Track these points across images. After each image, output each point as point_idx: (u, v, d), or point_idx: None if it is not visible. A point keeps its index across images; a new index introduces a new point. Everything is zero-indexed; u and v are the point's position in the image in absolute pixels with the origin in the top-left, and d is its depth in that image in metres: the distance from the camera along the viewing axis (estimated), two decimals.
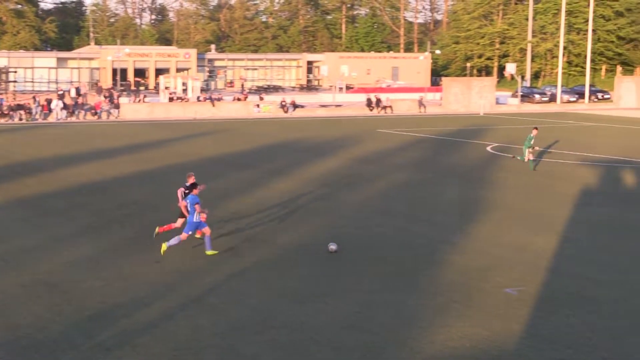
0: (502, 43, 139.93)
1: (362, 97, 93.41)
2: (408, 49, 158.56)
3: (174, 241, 22.07)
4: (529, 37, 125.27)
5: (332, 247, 22.75)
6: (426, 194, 33.07)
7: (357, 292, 18.90)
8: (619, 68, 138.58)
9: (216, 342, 15.69)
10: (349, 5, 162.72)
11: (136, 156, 45.26)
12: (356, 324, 16.68)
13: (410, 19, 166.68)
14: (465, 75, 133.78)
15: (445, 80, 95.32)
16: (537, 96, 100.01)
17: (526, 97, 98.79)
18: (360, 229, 26.11)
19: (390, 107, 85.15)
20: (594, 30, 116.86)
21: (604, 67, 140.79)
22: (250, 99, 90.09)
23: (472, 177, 38.31)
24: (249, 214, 28.25)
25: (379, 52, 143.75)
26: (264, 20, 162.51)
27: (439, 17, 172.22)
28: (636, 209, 30.14)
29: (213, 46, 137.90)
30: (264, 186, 34.55)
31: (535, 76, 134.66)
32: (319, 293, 18.82)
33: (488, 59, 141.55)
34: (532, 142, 40.39)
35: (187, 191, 22.87)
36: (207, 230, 22.41)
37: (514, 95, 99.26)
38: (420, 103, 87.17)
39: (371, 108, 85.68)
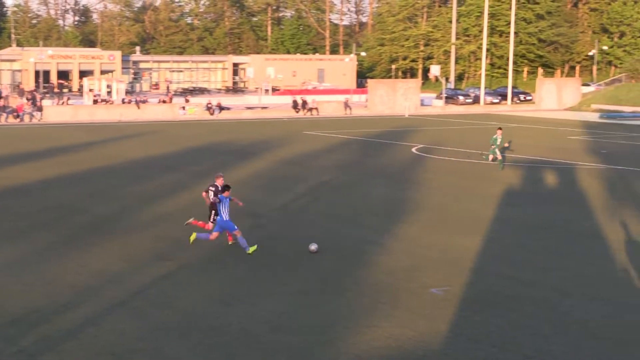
0: (426, 45, 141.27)
1: (288, 99, 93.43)
2: (334, 51, 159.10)
3: (203, 235, 22.71)
4: (453, 40, 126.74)
5: (313, 247, 22.76)
6: (353, 195, 33.18)
7: (284, 294, 18.88)
8: (540, 70, 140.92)
9: (141, 346, 15.52)
10: (274, 7, 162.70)
11: (61, 159, 44.61)
12: (283, 325, 16.66)
13: (335, 21, 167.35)
14: (390, 77, 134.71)
15: (370, 82, 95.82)
16: (461, 98, 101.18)
17: (450, 98, 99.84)
18: (287, 230, 26.10)
19: (316, 109, 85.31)
20: (515, 33, 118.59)
21: (525, 69, 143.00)
22: (175, 101, 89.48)
23: (398, 178, 38.55)
24: (175, 217, 28.02)
25: (305, 54, 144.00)
26: (189, 22, 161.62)
27: (364, 20, 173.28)
28: (557, 208, 30.64)
29: (138, 48, 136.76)
30: (190, 189, 34.31)
31: (459, 78, 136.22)
32: (245, 295, 18.75)
33: (413, 61, 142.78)
34: (498, 143, 41.64)
35: (212, 189, 23.73)
36: (237, 232, 22.53)
37: (439, 97, 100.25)
38: (346, 105, 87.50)
39: (297, 110, 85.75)
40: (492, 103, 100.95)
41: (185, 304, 18.09)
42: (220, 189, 23.09)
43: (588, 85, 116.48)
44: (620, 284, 20.04)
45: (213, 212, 24.02)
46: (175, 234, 25.29)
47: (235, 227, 22.61)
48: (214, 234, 22.81)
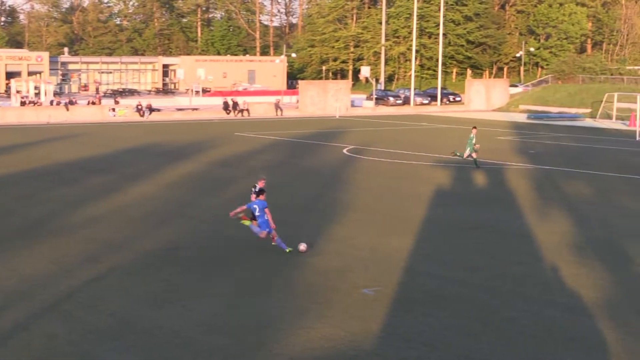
0: (356, 46, 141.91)
1: (218, 101, 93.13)
2: (264, 52, 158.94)
3: (256, 229, 22.93)
4: (383, 41, 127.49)
5: (302, 247, 22.76)
6: (284, 196, 33.19)
7: (217, 296, 18.83)
8: (469, 71, 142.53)
9: (73, 349, 15.36)
10: (204, 9, 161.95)
11: None
12: (215, 327, 16.62)
13: (265, 23, 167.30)
14: (321, 78, 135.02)
15: (301, 84, 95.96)
16: (391, 99, 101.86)
17: (381, 99, 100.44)
18: (219, 232, 26.02)
19: (247, 110, 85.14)
20: (444, 35, 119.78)
21: (454, 70, 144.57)
22: (105, 102, 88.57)
23: (329, 179, 38.67)
24: (106, 220, 27.77)
25: (235, 55, 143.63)
26: (118, 23, 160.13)
27: (294, 21, 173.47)
28: (486, 208, 31.03)
29: (66, 49, 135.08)
30: (121, 191, 34.04)
31: (390, 79, 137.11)
32: (177, 297, 18.66)
33: (343, 62, 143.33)
34: (474, 141, 42.25)
35: (254, 189, 23.92)
36: (262, 234, 22.89)
37: (369, 98, 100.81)
38: (277, 106, 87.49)
39: (228, 111, 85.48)
40: (422, 104, 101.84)
41: (117, 306, 17.95)
42: (256, 190, 23.59)
43: (516, 86, 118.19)
44: (548, 283, 20.37)
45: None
46: (106, 236, 25.07)
47: (269, 229, 22.92)
48: (263, 233, 22.99)
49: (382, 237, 25.36)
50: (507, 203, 32.23)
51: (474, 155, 42.72)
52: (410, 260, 22.43)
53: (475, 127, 44.45)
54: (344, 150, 51.09)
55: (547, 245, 24.54)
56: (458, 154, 43.44)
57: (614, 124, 78.91)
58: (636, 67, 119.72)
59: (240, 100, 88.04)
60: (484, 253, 23.48)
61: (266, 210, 22.86)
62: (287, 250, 22.88)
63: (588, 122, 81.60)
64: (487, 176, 40.18)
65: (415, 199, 32.84)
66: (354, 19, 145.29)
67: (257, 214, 22.85)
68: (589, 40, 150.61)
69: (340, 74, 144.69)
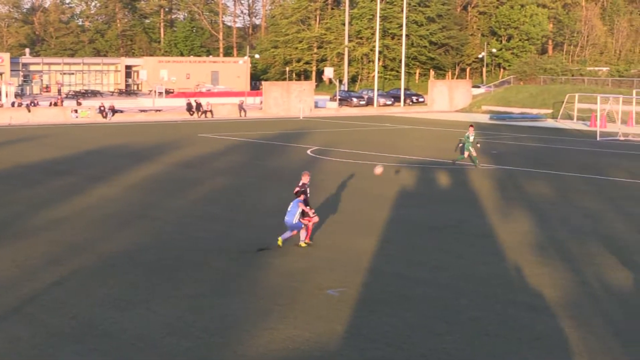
0: (320, 47, 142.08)
1: (182, 102, 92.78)
2: (227, 53, 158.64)
3: (286, 235, 23.88)
4: (346, 42, 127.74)
5: (378, 170, 23.05)
6: (248, 198, 33.17)
7: (180, 298, 18.76)
8: (431, 72, 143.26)
9: (36, 353, 15.24)
10: (167, 9, 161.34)
11: None
12: (179, 329, 16.55)
13: (229, 24, 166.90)
14: (284, 79, 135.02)
15: (265, 85, 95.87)
16: (354, 100, 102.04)
17: (344, 100, 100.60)
18: (182, 234, 25.93)
19: (210, 111, 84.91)
20: (407, 35, 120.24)
21: (417, 71, 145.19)
22: (67, 104, 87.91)
23: (293, 180, 38.56)
24: (69, 221, 27.58)
25: (198, 56, 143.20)
26: (80, 23, 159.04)
27: (257, 22, 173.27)
28: (450, 208, 31.17)
29: (27, 50, 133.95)
30: (84, 193, 33.82)
31: (353, 80, 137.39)
32: (141, 299, 18.56)
33: (307, 63, 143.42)
34: (471, 140, 43.23)
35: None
36: (295, 232, 23.92)
37: (333, 99, 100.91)
38: (241, 107, 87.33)
39: (191, 112, 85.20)
40: (386, 105, 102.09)
41: (80, 309, 17.82)
42: (299, 190, 24.50)
43: (478, 87, 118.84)
44: (512, 283, 20.51)
45: (307, 206, 24.60)
46: (69, 238, 24.90)
47: (301, 225, 23.85)
48: (294, 232, 23.90)
49: (347, 238, 25.39)
50: (470, 203, 32.40)
51: (474, 153, 43.60)
52: (375, 260, 22.49)
53: (472, 126, 45.69)
54: (308, 151, 51.11)
55: (510, 245, 24.71)
56: (459, 158, 44.43)
57: (575, 125, 79.61)
58: (596, 68, 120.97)
59: (203, 101, 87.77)
60: (448, 253, 23.59)
61: (300, 204, 23.86)
62: (302, 244, 23.84)
63: (550, 123, 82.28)
64: (450, 177, 40.37)
65: (379, 199, 32.92)
66: (317, 20, 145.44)
67: (289, 209, 23.83)
68: (550, 42, 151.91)
69: (303, 75, 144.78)
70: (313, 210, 24.55)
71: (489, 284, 20.28)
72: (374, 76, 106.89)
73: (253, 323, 17.02)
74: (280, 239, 23.91)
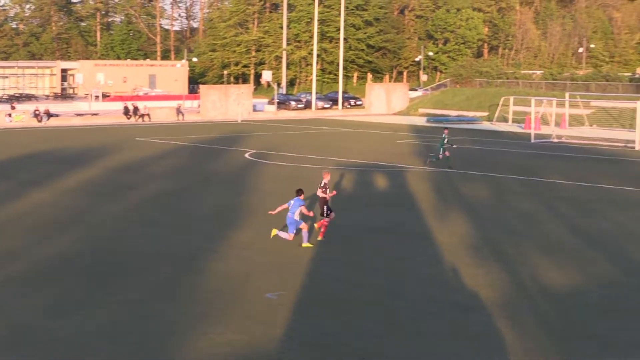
0: (258, 51, 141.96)
1: (119, 106, 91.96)
2: (165, 56, 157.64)
3: (283, 235, 24.53)
4: (284, 45, 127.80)
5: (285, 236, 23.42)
6: (186, 202, 33.00)
7: (117, 304, 18.59)
8: (369, 75, 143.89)
9: None
10: (103, 12, 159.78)
11: None
12: (116, 335, 16.41)
13: (166, 27, 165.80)
14: (222, 82, 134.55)
15: (202, 88, 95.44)
16: (293, 103, 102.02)
17: (282, 104, 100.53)
18: (119, 239, 25.71)
19: (148, 115, 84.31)
20: (345, 39, 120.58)
21: (355, 74, 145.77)
22: (1, 108, 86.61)
23: (231, 184, 38.57)
24: (2, 228, 27.18)
25: (136, 59, 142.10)
26: (14, 26, 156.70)
27: (195, 25, 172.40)
28: (388, 211, 31.33)
29: None
30: (18, 198, 33.36)
31: (291, 83, 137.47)
32: (76, 306, 18.36)
33: (245, 66, 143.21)
34: (445, 142, 44.90)
35: (322, 186, 26.01)
36: (303, 226, 24.54)
37: (271, 103, 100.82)
38: (178, 111, 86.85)
39: (129, 116, 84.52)
40: (324, 108, 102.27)
41: (14, 317, 17.57)
42: (298, 191, 25.10)
43: (415, 90, 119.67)
44: (448, 284, 20.69)
45: (325, 207, 25.86)
46: (2, 245, 24.53)
47: (301, 221, 24.53)
48: (291, 235, 24.56)
49: (286, 241, 25.38)
50: (407, 205, 32.61)
51: (447, 153, 44.87)
52: (314, 264, 22.53)
53: (446, 129, 47.32)
54: (246, 155, 51.00)
55: (447, 246, 24.93)
56: (433, 159, 45.72)
57: (510, 127, 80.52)
58: (531, 71, 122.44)
59: (140, 105, 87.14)
60: (385, 255, 23.72)
61: (302, 208, 24.49)
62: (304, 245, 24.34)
63: (485, 125, 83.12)
64: (388, 179, 40.59)
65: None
66: (256, 23, 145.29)
67: (289, 207, 24.50)
68: (485, 45, 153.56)
69: (242, 79, 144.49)
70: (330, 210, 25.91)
71: (426, 285, 20.44)
72: (312, 79, 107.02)
73: (192, 328, 16.94)
74: (274, 230, 24.77)
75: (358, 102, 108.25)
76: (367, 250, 24.33)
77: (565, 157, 53.02)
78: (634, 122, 65.68)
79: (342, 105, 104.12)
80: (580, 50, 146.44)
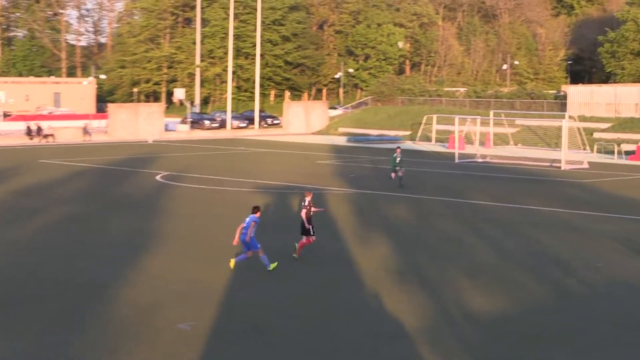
0: (170, 67, 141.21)
1: (21, 125, 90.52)
2: (71, 73, 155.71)
3: (241, 257, 24.73)
4: (197, 62, 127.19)
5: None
6: (94, 227, 32.58)
7: (25, 333, 18.20)
8: (287, 93, 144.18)
9: None
10: (4, 26, 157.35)
11: None
12: None
13: (72, 42, 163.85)
14: (132, 101, 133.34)
15: (111, 107, 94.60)
16: (207, 122, 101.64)
17: (196, 123, 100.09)
18: (19, 267, 25.22)
19: (52, 135, 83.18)
20: (262, 55, 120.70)
21: (272, 92, 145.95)
22: None
23: (141, 208, 38.21)
24: None
25: (39, 76, 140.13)
26: None
27: (103, 40, 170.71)
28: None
29: None
30: None
31: (205, 101, 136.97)
32: None
33: (156, 84, 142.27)
34: (397, 161, 46.13)
35: (306, 205, 26.67)
36: (259, 251, 24.63)
37: (184, 122, 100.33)
38: (85, 131, 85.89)
39: (31, 137, 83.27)
40: (240, 127, 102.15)
41: None
42: (254, 208, 25.07)
43: (335, 108, 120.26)
44: (370, 310, 20.71)
45: (311, 226, 26.52)
46: None
47: (258, 246, 24.59)
48: (249, 253, 24.67)
49: (200, 268, 25.20)
50: (327, 229, 32.60)
51: (400, 173, 46.15)
52: (230, 291, 22.38)
53: (399, 148, 48.88)
54: (158, 177, 50.60)
55: (368, 271, 25.00)
56: (391, 177, 46.80)
57: (433, 146, 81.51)
58: (454, 89, 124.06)
59: (44, 124, 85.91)
60: (306, 281, 23.67)
61: (252, 223, 24.45)
62: (271, 268, 24.53)
63: (408, 145, 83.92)
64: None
65: (234, 227, 32.76)
66: (167, 38, 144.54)
67: (244, 225, 24.44)
68: (407, 62, 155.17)
69: (153, 97, 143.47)
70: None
71: (348, 312, 20.44)
72: (227, 97, 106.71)
73: (98, 359, 16.70)
74: (232, 260, 24.67)
75: (275, 121, 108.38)
76: (286, 276, 24.26)
77: (490, 177, 53.78)
78: (559, 141, 67.00)
79: (259, 124, 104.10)
80: (504, 67, 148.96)
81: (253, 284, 23.31)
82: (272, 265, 24.73)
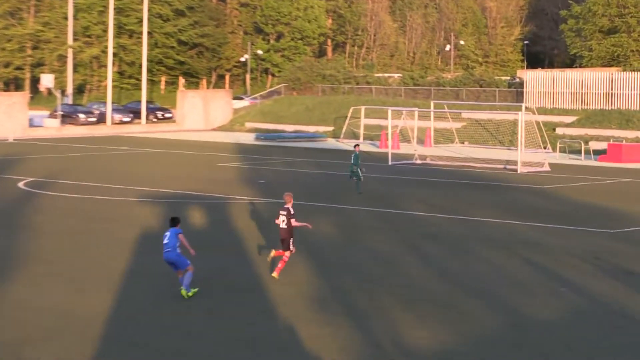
0: (35, 48, 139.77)
1: None
2: None
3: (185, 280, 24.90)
4: (70, 41, 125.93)
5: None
6: None
7: None
8: (181, 80, 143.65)
9: None
10: None
11: None
12: None
13: None
14: None
15: None
16: (82, 116, 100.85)
17: (68, 117, 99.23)
18: None
19: None
20: (150, 33, 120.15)
21: (163, 78, 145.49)
22: None
23: (0, 222, 37.74)
24: None
25: None
26: None
27: None
28: (209, 254, 31.18)
29: None
30: None
31: (80, 90, 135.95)
32: None
33: (18, 68, 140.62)
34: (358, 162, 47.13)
35: (283, 213, 27.80)
36: (190, 268, 25.05)
37: (53, 116, 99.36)
38: None
39: None
40: (122, 122, 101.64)
41: None
42: (173, 220, 25.69)
43: (241, 98, 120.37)
44: (284, 348, 20.69)
45: (292, 239, 27.67)
46: None
47: (188, 262, 25.04)
48: (191, 267, 25.10)
49: (74, 297, 24.93)
50: (231, 249, 32.53)
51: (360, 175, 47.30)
52: (109, 326, 22.15)
53: (357, 145, 49.76)
54: (20, 184, 50.00)
55: (282, 299, 24.94)
56: (361, 177, 47.62)
57: (361, 146, 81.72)
58: (386, 75, 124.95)
59: None
60: (203, 313, 23.53)
61: (180, 236, 24.92)
62: (189, 294, 24.70)
63: (331, 143, 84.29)
64: (206, 214, 40.46)
65: (117, 245, 32.55)
66: (32, 12, 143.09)
67: (165, 241, 24.92)
68: (329, 42, 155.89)
69: (14, 84, 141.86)
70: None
71: (256, 349, 20.39)
72: (106, 85, 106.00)
73: None
74: (183, 289, 24.67)
75: (167, 115, 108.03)
76: (179, 307, 24.09)
77: (431, 182, 54.23)
78: (514, 139, 67.89)
79: (147, 118, 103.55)
80: (447, 48, 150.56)
81: (138, 318, 23.11)
82: (192, 291, 24.90)
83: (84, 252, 31.66)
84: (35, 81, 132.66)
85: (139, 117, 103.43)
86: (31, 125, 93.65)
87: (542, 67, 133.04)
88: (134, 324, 22.48)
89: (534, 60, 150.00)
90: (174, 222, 25.36)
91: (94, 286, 26.25)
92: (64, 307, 23.94)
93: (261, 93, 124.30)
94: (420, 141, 75.31)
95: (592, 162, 68.44)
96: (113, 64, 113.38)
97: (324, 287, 26.69)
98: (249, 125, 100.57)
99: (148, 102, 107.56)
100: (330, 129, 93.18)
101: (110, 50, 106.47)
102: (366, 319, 23.15)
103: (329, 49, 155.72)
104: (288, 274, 28.03)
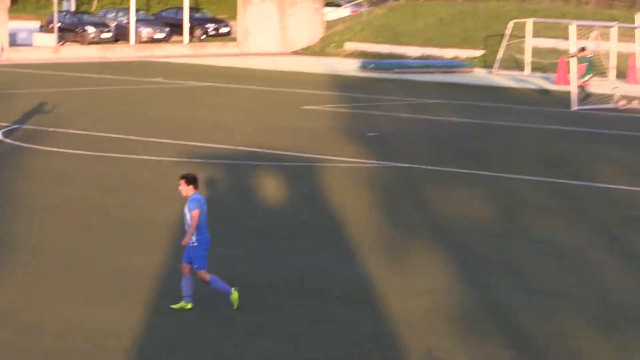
0: None
1: None
2: None
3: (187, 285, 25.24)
4: None
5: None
6: None
7: None
8: None
9: None
10: None
11: None
12: None
13: None
14: None
15: None
16: (91, 30, 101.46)
17: (71, 31, 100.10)
18: None
19: None
20: None
21: None
22: None
23: None
24: None
25: None
26: None
27: None
28: (291, 245, 31.27)
29: None
30: None
31: None
32: None
33: None
34: (595, 63, 49.45)
35: None
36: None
37: (47, 29, 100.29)
38: None
39: None
40: (154, 40, 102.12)
41: None
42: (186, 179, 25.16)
43: (338, 5, 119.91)
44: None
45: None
46: None
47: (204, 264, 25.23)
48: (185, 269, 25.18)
49: (85, 311, 25.05)
50: (325, 239, 32.53)
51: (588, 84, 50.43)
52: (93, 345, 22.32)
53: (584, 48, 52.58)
54: None
55: (409, 316, 24.88)
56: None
57: (528, 79, 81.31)
58: None
59: None
60: (270, 332, 23.59)
61: (194, 213, 24.58)
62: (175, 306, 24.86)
63: (479, 76, 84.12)
64: (287, 182, 40.58)
65: (147, 229, 32.71)
66: None
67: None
68: None
69: None
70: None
71: None
72: None
73: None
74: (234, 292, 24.83)
75: (223, 29, 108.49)
76: (235, 326, 24.16)
77: (638, 139, 53.84)
78: None
79: (191, 34, 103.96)
80: None
81: (158, 332, 23.27)
82: (180, 305, 24.78)
83: (93, 238, 31.85)
84: None
85: (180, 33, 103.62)
86: (13, 43, 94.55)
87: None
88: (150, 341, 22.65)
89: None
90: (188, 181, 24.68)
91: (104, 289, 26.35)
92: (61, 315, 24.10)
93: None
94: (621, 74, 74.69)
95: None
96: None
97: (471, 298, 26.59)
98: (349, 47, 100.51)
99: (193, 9, 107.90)
100: (479, 53, 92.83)
101: None
102: (542, 351, 22.99)
103: None
104: (418, 277, 27.92)
